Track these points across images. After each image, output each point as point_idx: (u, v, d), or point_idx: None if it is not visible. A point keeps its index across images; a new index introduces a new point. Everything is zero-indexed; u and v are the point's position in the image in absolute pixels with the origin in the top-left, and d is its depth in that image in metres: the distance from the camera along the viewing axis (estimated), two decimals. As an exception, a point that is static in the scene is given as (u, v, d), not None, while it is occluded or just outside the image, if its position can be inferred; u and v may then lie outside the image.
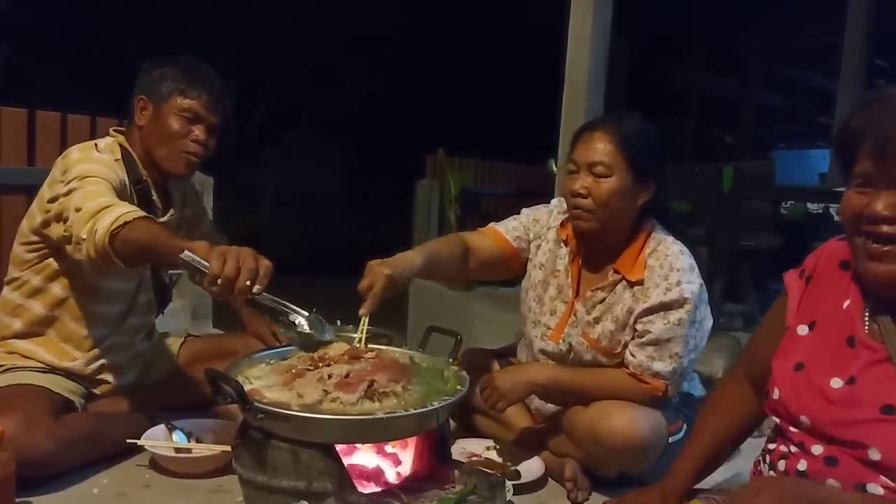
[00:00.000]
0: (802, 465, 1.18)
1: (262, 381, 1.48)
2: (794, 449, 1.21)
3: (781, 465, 1.23)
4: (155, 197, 2.01)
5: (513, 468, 1.96)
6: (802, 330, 1.27)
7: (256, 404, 1.33)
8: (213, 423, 2.02)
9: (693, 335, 1.85)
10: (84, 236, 1.60)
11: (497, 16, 7.64)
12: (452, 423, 2.20)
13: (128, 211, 1.60)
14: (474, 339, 2.75)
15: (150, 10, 7.32)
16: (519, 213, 2.14)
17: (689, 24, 7.01)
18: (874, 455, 1.09)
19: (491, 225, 2.14)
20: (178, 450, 1.90)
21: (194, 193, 2.34)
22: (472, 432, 2.17)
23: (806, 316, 1.28)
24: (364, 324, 1.66)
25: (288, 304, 1.55)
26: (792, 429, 1.22)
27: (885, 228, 1.10)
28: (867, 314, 1.19)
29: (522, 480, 1.89)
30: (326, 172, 8.45)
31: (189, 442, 1.94)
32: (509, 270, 2.12)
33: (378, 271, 1.68)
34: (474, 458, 2.01)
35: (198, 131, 1.97)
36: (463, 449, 2.04)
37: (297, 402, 1.37)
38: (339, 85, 8.44)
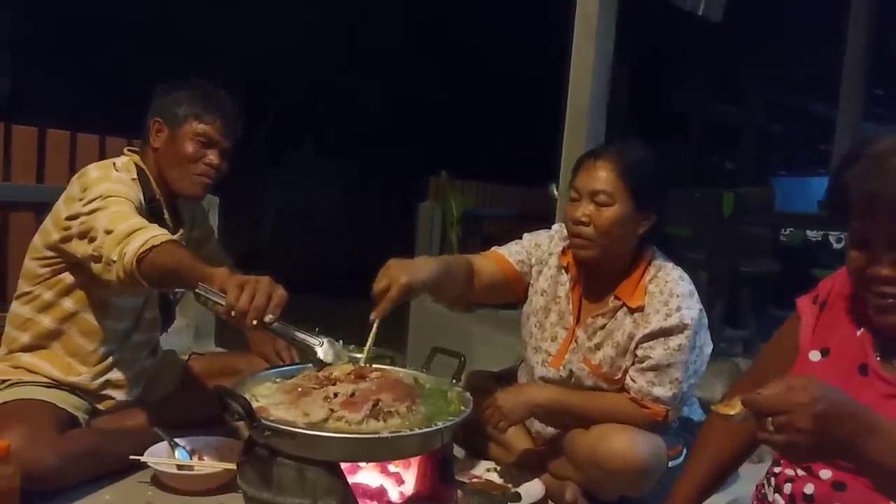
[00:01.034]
0: (809, 489, 1.18)
1: (268, 399, 1.49)
2: (800, 472, 1.21)
3: (787, 488, 1.22)
4: (167, 216, 2.05)
5: (513, 490, 1.96)
6: (815, 356, 1.27)
7: (264, 421, 1.35)
8: (215, 441, 2.03)
9: (693, 360, 1.87)
10: (115, 258, 1.66)
11: (501, 38, 7.72)
12: (455, 445, 2.21)
13: (155, 234, 1.66)
14: (474, 361, 2.76)
15: (152, 25, 7.39)
16: (521, 238, 2.16)
17: (690, 50, 7.10)
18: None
19: (494, 248, 2.15)
20: (180, 467, 1.91)
21: (203, 213, 2.37)
22: (474, 453, 2.17)
23: (819, 342, 1.28)
24: (375, 329, 1.65)
25: (298, 331, 1.58)
26: None
27: (887, 289, 1.12)
28: (879, 346, 1.21)
29: (523, 502, 1.90)
30: (328, 192, 8.49)
31: (192, 459, 1.95)
32: (511, 294, 2.14)
33: (395, 277, 1.67)
34: (475, 480, 2.01)
35: (212, 155, 2.01)
36: (464, 470, 2.05)
37: (303, 420, 1.39)
38: (342, 105, 8.51)
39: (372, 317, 1.65)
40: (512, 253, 2.11)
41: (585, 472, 1.90)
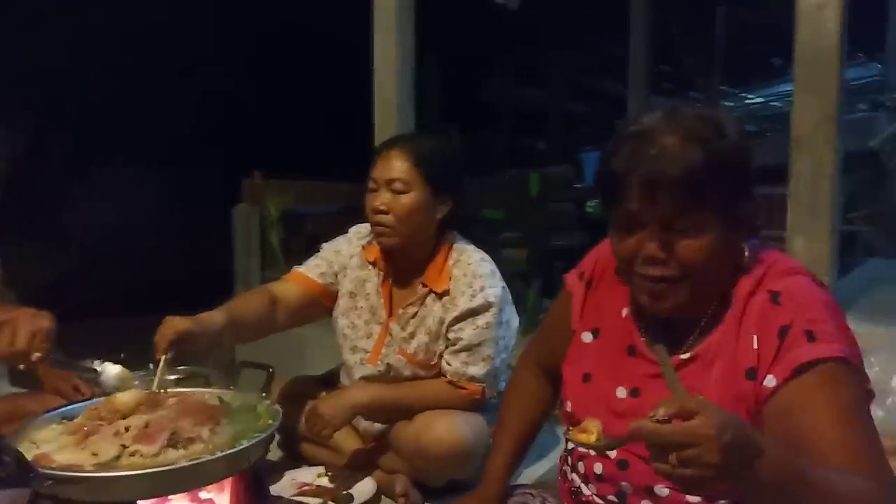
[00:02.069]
0: (598, 469, 1.22)
1: (51, 443, 1.35)
2: (592, 452, 1.22)
3: (581, 466, 1.26)
4: None
5: (345, 492, 1.94)
6: (587, 337, 1.30)
7: (42, 471, 1.22)
8: (9, 494, 1.82)
9: (502, 336, 1.95)
10: None
11: (307, 33, 7.58)
12: (281, 455, 2.16)
13: None
14: (309, 366, 2.69)
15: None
16: (320, 250, 2.16)
17: (494, 39, 7.38)
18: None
19: (294, 269, 2.14)
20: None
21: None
22: (304, 462, 2.13)
23: (589, 322, 1.30)
24: (162, 367, 1.57)
25: (74, 361, 1.45)
26: None
27: (655, 271, 1.11)
28: (643, 326, 1.22)
29: (356, 503, 1.89)
30: (139, 204, 7.94)
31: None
32: (323, 309, 2.13)
33: (172, 320, 1.63)
34: (306, 488, 1.97)
35: None
36: (293, 479, 2.00)
37: (92, 461, 1.27)
38: (147, 113, 7.97)
39: (158, 355, 1.58)
40: (311, 268, 2.10)
41: (412, 461, 1.93)
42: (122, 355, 1.63)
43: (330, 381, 2.23)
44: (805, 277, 1.15)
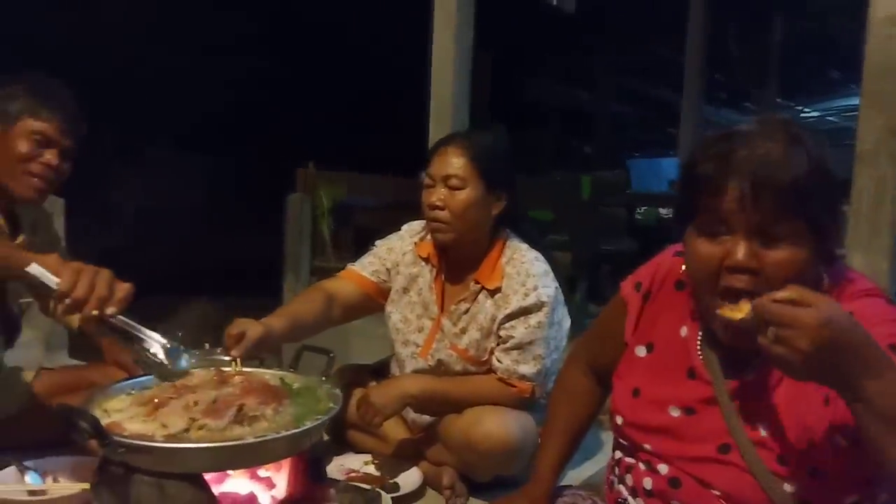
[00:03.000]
0: (648, 484, 1.21)
1: (122, 413, 1.40)
2: (641, 466, 1.23)
3: (629, 479, 1.25)
4: (2, 222, 1.88)
5: (391, 481, 1.97)
6: (640, 351, 1.27)
7: (116, 438, 1.27)
8: (71, 461, 1.88)
9: (553, 336, 1.96)
10: None
11: (365, 26, 7.65)
12: (328, 441, 2.19)
13: None
14: (351, 355, 2.74)
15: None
16: (374, 246, 2.20)
17: (546, 40, 7.35)
18: (714, 490, 1.12)
19: (348, 266, 2.19)
20: (31, 492, 1.77)
21: (45, 218, 2.19)
22: (351, 448, 2.16)
23: (643, 336, 1.27)
24: (237, 366, 1.63)
25: (143, 329, 1.47)
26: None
27: (743, 284, 1.05)
28: (699, 345, 1.19)
29: (401, 492, 1.91)
30: (191, 188, 8.10)
31: (44, 483, 1.81)
32: (377, 305, 2.17)
33: (250, 325, 1.71)
34: (353, 474, 2.00)
35: (49, 155, 1.87)
36: (341, 466, 2.03)
37: (162, 432, 1.32)
38: (203, 98, 8.13)
39: (233, 354, 1.65)
40: (365, 266, 2.15)
41: (460, 455, 1.94)
42: (180, 334, 1.67)
43: (381, 371, 2.26)
44: (879, 299, 1.11)
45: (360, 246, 2.24)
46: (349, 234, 4.78)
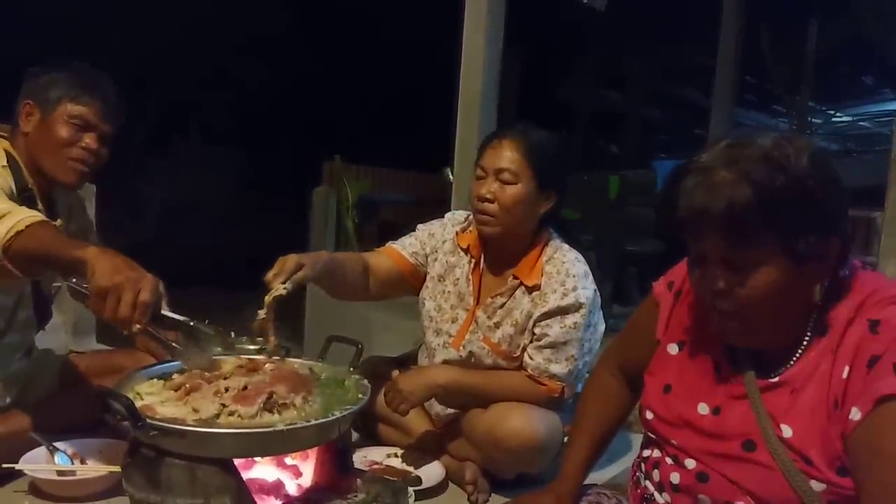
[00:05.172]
0: (676, 478, 1.20)
1: (154, 396, 1.42)
2: (668, 461, 1.23)
3: (656, 474, 1.25)
4: (40, 207, 1.90)
5: (414, 474, 1.97)
6: (672, 349, 1.28)
7: (149, 421, 1.28)
8: (99, 443, 1.92)
9: (588, 338, 1.94)
10: None
11: (393, 23, 7.67)
12: (354, 433, 2.20)
13: (21, 219, 1.52)
14: (374, 348, 2.74)
15: (26, 9, 6.86)
16: (415, 229, 2.18)
17: (575, 39, 7.31)
18: (740, 486, 1.12)
19: (388, 244, 2.17)
20: (60, 472, 1.79)
21: (80, 204, 2.22)
22: (374, 440, 2.17)
23: (675, 334, 1.29)
24: (270, 304, 1.59)
25: (178, 317, 1.48)
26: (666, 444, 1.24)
27: (725, 305, 1.10)
28: (726, 345, 1.20)
29: (424, 486, 1.91)
30: (218, 181, 8.19)
31: (73, 463, 1.83)
32: (409, 287, 2.15)
33: (290, 257, 1.68)
34: (376, 466, 2.01)
35: (89, 140, 1.89)
36: (364, 457, 2.04)
37: (193, 416, 1.33)
38: (229, 90, 8.21)
39: (275, 282, 1.62)
40: (405, 246, 2.13)
41: (484, 451, 1.93)
42: (207, 321, 1.68)
43: (406, 362, 2.26)
44: None
45: (384, 241, 2.23)
46: (373, 228, 4.80)
